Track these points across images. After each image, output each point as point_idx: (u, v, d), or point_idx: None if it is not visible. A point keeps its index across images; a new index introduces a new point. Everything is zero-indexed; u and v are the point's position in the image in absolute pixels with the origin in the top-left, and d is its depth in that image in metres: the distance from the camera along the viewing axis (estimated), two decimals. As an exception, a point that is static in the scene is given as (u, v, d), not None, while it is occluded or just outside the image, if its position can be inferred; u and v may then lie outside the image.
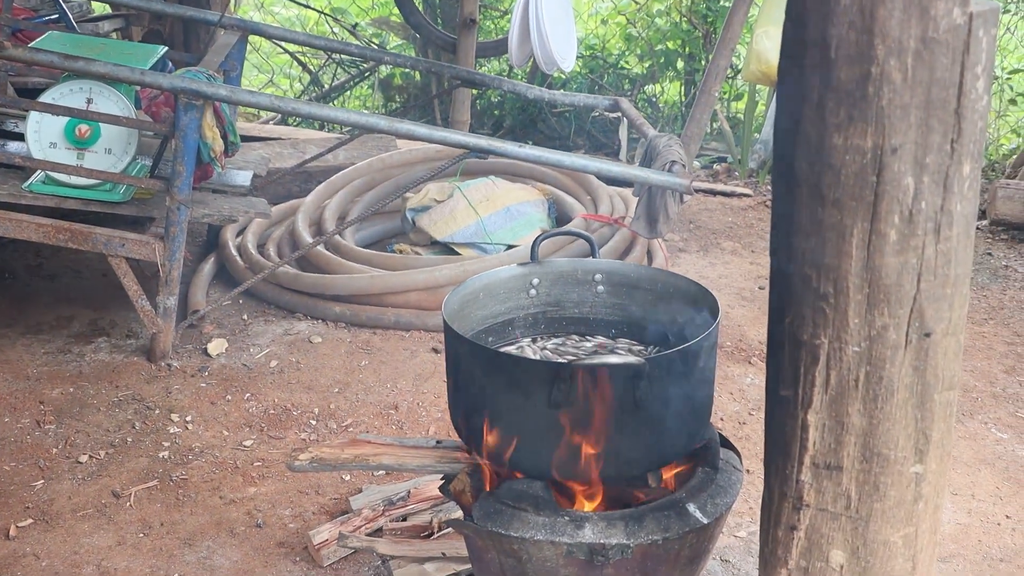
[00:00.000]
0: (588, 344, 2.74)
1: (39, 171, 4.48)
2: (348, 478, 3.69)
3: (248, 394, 4.24)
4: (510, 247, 5.09)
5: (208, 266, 5.17)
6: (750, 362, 4.53)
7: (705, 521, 2.37)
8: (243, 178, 5.02)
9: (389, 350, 4.59)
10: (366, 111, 8.32)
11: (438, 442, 2.66)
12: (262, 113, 7.76)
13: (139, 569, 3.30)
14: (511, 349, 2.72)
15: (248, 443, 3.94)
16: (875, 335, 1.75)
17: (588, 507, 2.46)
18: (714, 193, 6.56)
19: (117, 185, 4.47)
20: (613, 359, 2.38)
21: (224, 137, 4.38)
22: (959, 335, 1.81)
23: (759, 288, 5.23)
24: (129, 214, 4.52)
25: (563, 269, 2.81)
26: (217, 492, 3.66)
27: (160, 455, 3.86)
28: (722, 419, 4.05)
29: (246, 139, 6.19)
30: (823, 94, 1.66)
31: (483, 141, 4.37)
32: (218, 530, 3.48)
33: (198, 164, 4.28)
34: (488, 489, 2.47)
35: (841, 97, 1.64)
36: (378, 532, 3.29)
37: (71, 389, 4.26)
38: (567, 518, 2.34)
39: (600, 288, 2.80)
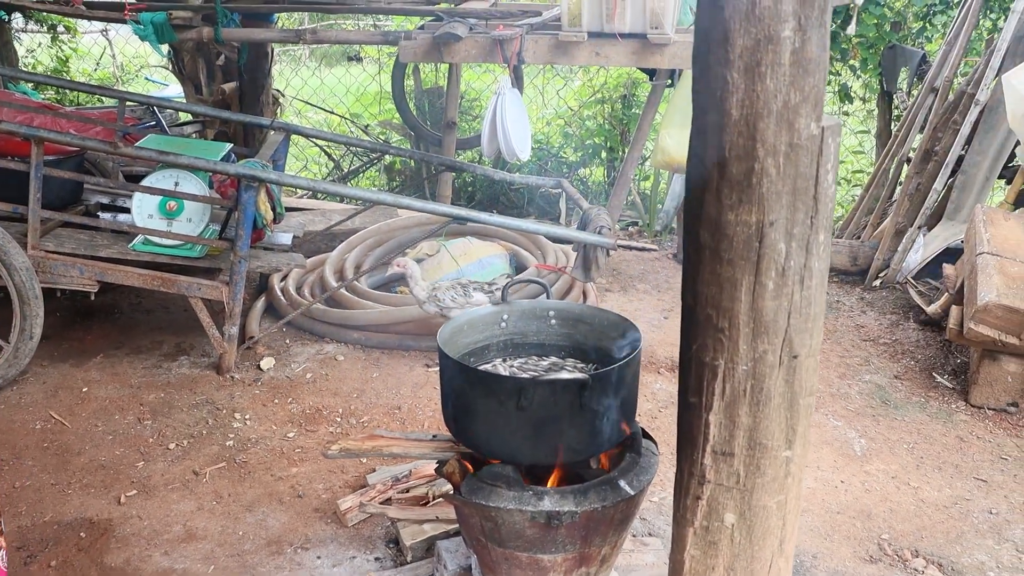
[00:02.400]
0: (544, 362, 2.71)
1: (140, 235, 4.43)
2: (365, 461, 3.64)
3: (290, 398, 4.18)
4: (482, 288, 5.07)
5: (260, 303, 5.11)
6: (659, 372, 4.52)
7: (632, 493, 2.35)
8: (286, 239, 4.98)
9: (394, 365, 4.54)
10: (375, 189, 8.30)
11: (434, 436, 2.63)
12: (299, 190, 7.71)
13: (214, 528, 3.25)
14: (488, 367, 2.69)
15: (291, 435, 3.88)
16: (758, 357, 1.74)
17: (547, 484, 2.44)
18: (630, 248, 6.56)
19: (195, 245, 4.42)
20: (565, 375, 2.36)
21: (273, 209, 4.35)
22: (816, 356, 1.81)
23: (664, 318, 5.22)
24: (204, 266, 4.47)
25: (525, 308, 2.79)
26: (269, 471, 3.61)
27: (227, 443, 3.80)
28: (640, 415, 4.03)
29: (289, 210, 6.16)
30: (720, 183, 1.66)
31: (462, 212, 4.35)
32: (270, 499, 3.42)
33: (254, 229, 4.24)
34: (472, 471, 2.44)
35: (733, 185, 1.65)
36: (388, 501, 3.25)
37: (162, 395, 4.19)
38: (531, 492, 2.31)
39: (553, 321, 2.78)
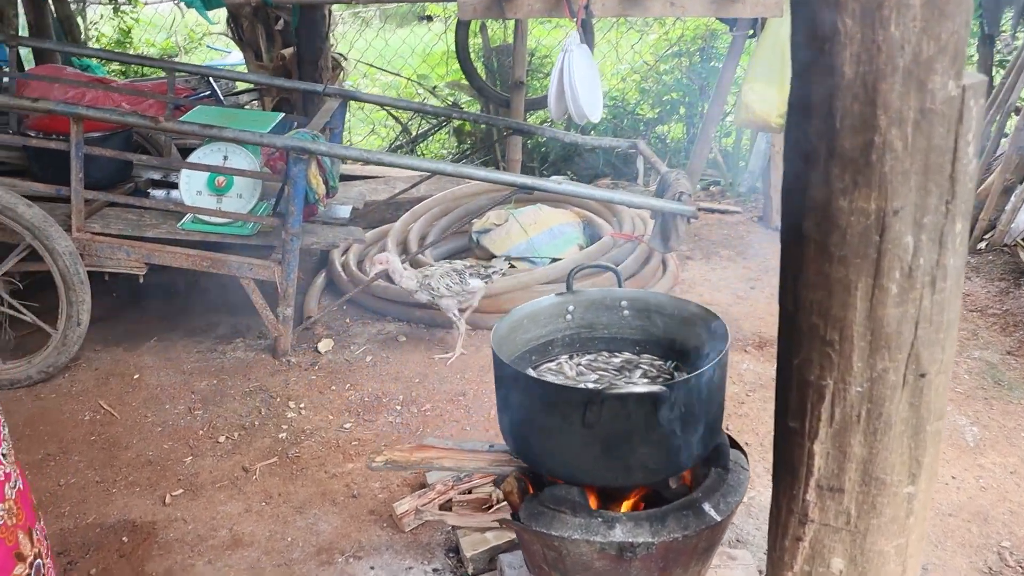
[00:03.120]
0: (616, 360, 2.39)
1: (189, 213, 4.21)
2: (426, 455, 3.37)
3: (348, 384, 3.93)
4: (554, 260, 4.75)
5: (320, 280, 4.87)
6: (746, 351, 4.14)
7: (719, 519, 2.02)
8: (344, 211, 4.71)
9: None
10: (435, 158, 7.99)
11: (491, 446, 2.33)
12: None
13: (261, 533, 3.02)
14: (552, 365, 2.38)
15: (347, 426, 3.63)
16: (876, 377, 1.40)
17: (618, 508, 2.11)
18: (711, 211, 6.14)
19: (246, 222, 4.18)
20: (639, 388, 2.01)
21: (326, 183, 4.08)
22: (948, 372, 1.46)
23: (751, 288, 4.83)
24: (256, 244, 4.23)
25: (594, 297, 2.46)
26: (323, 467, 3.37)
27: (279, 436, 3.57)
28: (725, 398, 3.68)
29: (351, 178, 5.92)
30: (829, 161, 1.31)
31: (528, 180, 4.02)
32: (323, 500, 3.18)
33: (305, 204, 3.97)
34: (532, 492, 2.14)
35: (846, 164, 1.30)
36: (448, 503, 2.97)
37: (215, 382, 3.99)
38: (600, 519, 2.00)
39: (626, 312, 2.45)
